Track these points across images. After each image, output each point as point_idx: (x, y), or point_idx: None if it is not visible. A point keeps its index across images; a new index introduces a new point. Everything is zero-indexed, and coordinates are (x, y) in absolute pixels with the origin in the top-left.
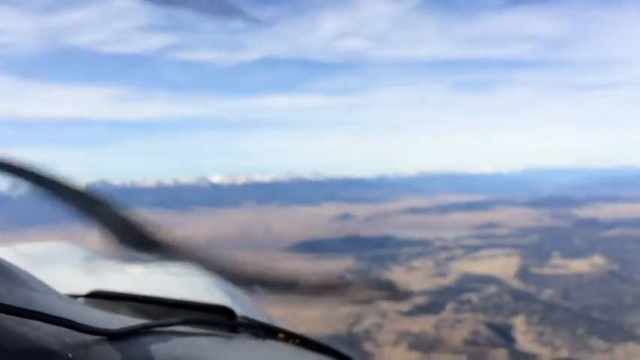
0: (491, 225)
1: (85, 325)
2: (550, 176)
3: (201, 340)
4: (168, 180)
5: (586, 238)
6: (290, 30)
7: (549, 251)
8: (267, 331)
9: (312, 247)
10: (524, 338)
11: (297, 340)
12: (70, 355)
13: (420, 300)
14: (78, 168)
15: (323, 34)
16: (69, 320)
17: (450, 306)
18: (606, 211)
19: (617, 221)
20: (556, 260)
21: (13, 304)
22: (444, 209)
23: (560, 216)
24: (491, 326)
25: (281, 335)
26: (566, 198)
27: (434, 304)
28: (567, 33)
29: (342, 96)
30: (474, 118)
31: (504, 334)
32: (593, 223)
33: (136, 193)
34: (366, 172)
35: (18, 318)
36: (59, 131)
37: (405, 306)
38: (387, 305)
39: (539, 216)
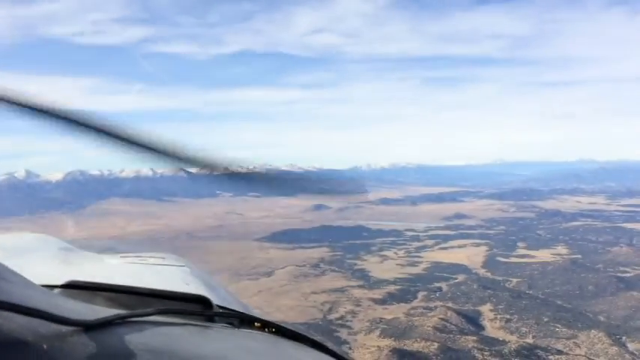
0: (459, 216)
1: (60, 316)
2: (515, 169)
3: (177, 330)
4: (146, 170)
5: (549, 229)
6: (266, 25)
7: (515, 241)
8: (242, 321)
9: (288, 236)
10: (491, 325)
11: (273, 329)
12: (44, 346)
13: (392, 288)
14: (55, 158)
15: (298, 29)
16: (43, 311)
17: (421, 294)
18: (568, 204)
19: (578, 213)
20: (521, 250)
21: None
22: (414, 200)
23: (524, 208)
24: (460, 314)
25: (257, 324)
26: (530, 190)
27: (406, 292)
28: (534, 32)
29: (316, 90)
30: (444, 113)
31: (473, 322)
32: (556, 215)
33: (114, 183)
34: (340, 165)
35: None
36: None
37: (377, 294)
38: (360, 293)
39: (505, 208)
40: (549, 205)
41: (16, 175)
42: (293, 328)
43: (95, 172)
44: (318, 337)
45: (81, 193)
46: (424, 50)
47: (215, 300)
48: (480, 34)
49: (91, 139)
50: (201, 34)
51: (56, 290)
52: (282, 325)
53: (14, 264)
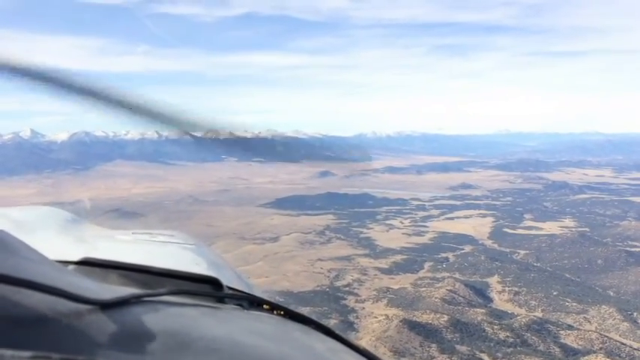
0: (465, 186)
1: (78, 295)
2: (520, 140)
3: (189, 311)
4: (151, 133)
5: (556, 202)
6: None
7: (521, 213)
8: (251, 303)
9: (293, 203)
10: (500, 298)
11: (281, 312)
12: (63, 323)
13: (399, 258)
14: (59, 118)
15: None
16: (61, 289)
17: (427, 265)
18: (575, 176)
19: (586, 185)
20: (528, 222)
21: (6, 274)
22: (420, 169)
23: (531, 179)
24: (468, 285)
25: (265, 306)
26: (536, 162)
27: (412, 262)
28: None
29: (322, 56)
30: (450, 82)
31: (481, 294)
32: (563, 187)
33: (118, 145)
34: (345, 131)
35: (12, 287)
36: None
37: (384, 263)
38: (367, 262)
39: (511, 179)
40: (556, 176)
41: (21, 134)
42: (300, 312)
43: (100, 133)
44: (324, 322)
45: (86, 154)
46: (433, 17)
47: (224, 281)
48: (491, 0)
49: (93, 104)
50: None
51: (71, 267)
52: (289, 308)
53: (28, 239)
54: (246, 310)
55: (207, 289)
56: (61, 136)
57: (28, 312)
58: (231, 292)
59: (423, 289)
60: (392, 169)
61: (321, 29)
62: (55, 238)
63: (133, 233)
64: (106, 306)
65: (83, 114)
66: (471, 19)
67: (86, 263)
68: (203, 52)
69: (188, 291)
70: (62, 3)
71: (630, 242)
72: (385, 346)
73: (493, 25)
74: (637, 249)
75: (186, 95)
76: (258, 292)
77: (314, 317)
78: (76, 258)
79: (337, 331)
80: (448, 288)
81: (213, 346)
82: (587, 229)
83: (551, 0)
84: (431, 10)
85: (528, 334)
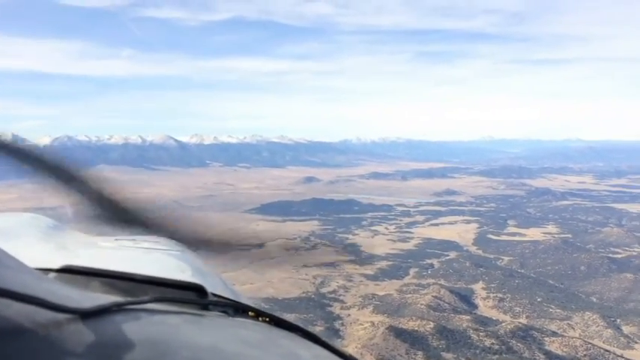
0: (449, 192)
1: (56, 304)
2: (503, 147)
3: (173, 319)
4: (134, 138)
5: (539, 208)
6: None
7: (505, 219)
8: (236, 309)
9: (278, 208)
10: (484, 304)
11: (267, 319)
12: (41, 333)
13: (384, 264)
14: (42, 123)
15: None
16: (40, 298)
17: (412, 271)
18: (557, 182)
19: (568, 192)
20: (512, 228)
21: None
22: (404, 175)
23: (514, 185)
24: (453, 292)
25: (250, 313)
26: (519, 168)
27: (397, 268)
28: (528, 8)
29: (307, 61)
30: (435, 88)
31: (466, 300)
32: (545, 194)
33: (102, 150)
34: (330, 137)
35: None
36: (20, 85)
37: (369, 269)
38: (352, 269)
39: (495, 185)
40: (538, 183)
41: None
42: (285, 319)
43: (83, 138)
44: (310, 329)
45: (68, 159)
46: (417, 24)
47: (209, 287)
48: (475, 8)
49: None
50: None
51: (51, 275)
52: (275, 315)
53: (8, 246)
54: (231, 318)
55: (191, 296)
56: (44, 140)
57: (5, 322)
58: (215, 299)
59: (409, 295)
60: (377, 175)
61: (307, 35)
62: (36, 245)
63: (116, 239)
64: (87, 315)
65: (66, 118)
66: (454, 26)
67: (67, 271)
68: (188, 56)
69: (172, 298)
70: (43, 5)
71: (612, 249)
72: (371, 354)
73: (477, 32)
74: (619, 255)
75: (171, 100)
76: (244, 299)
77: (300, 324)
78: (57, 265)
79: (323, 338)
80: (433, 294)
81: (197, 355)
82: (569, 236)
83: (533, 8)
84: (415, 17)
85: (513, 341)
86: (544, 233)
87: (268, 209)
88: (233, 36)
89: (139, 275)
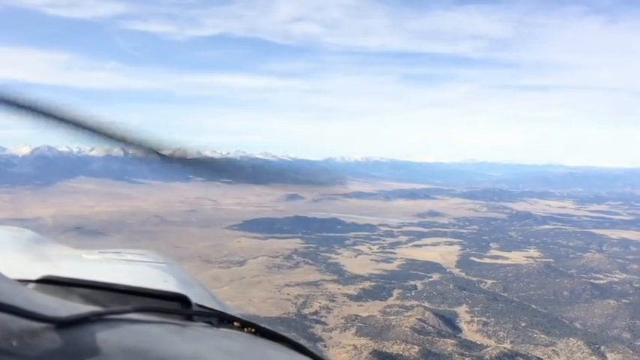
0: (432, 213)
1: (31, 312)
2: (485, 169)
3: (154, 329)
4: (117, 150)
5: (521, 231)
6: (245, 9)
7: (487, 242)
8: (221, 320)
9: (260, 225)
10: (469, 328)
11: (252, 329)
12: (13, 342)
13: (367, 285)
14: (23, 132)
15: (278, 15)
16: (13, 306)
17: (396, 292)
18: (538, 207)
19: (549, 216)
20: (494, 251)
21: None
22: (388, 195)
23: (496, 208)
24: (437, 315)
25: (235, 324)
26: (500, 191)
27: (381, 289)
28: (512, 35)
29: (293, 79)
30: (419, 110)
31: (450, 323)
32: (527, 217)
33: (83, 161)
34: (314, 155)
35: None
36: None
37: (352, 290)
38: (335, 288)
39: (477, 207)
40: (520, 207)
41: None
42: (272, 329)
43: (64, 148)
44: (296, 339)
45: (48, 169)
46: (404, 46)
47: (194, 298)
48: (460, 33)
49: (35, 119)
50: (179, 14)
51: (30, 285)
52: (261, 325)
53: None
54: (215, 328)
55: (174, 306)
56: (23, 149)
57: None
58: (199, 309)
59: (393, 317)
60: (360, 195)
61: (293, 53)
62: (16, 256)
63: (99, 252)
64: (63, 324)
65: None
66: (440, 50)
67: (47, 282)
68: (173, 70)
69: (154, 308)
70: (28, 14)
71: (594, 274)
72: None
73: (461, 57)
74: (601, 281)
75: (155, 114)
76: (230, 311)
77: (286, 334)
78: (37, 277)
79: (310, 348)
80: (418, 317)
81: None
82: (551, 260)
83: (517, 35)
84: (401, 40)
85: None
86: (526, 257)
87: (251, 226)
88: (219, 52)
89: (121, 285)
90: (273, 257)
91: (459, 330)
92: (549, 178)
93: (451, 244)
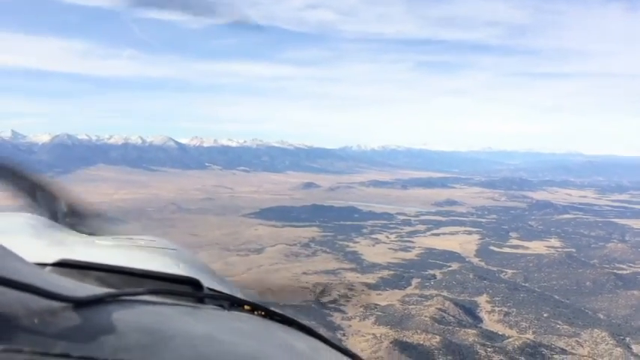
0: (450, 202)
1: (51, 291)
2: (503, 158)
3: (168, 310)
4: (135, 138)
5: (541, 221)
6: None
7: (507, 231)
8: (232, 304)
9: (277, 214)
10: (489, 318)
11: (262, 312)
12: (35, 320)
13: (385, 273)
14: (42, 120)
15: (294, 3)
16: (34, 286)
17: (415, 281)
18: (559, 196)
19: (569, 206)
20: (514, 241)
21: None
22: (404, 184)
23: (515, 197)
24: (457, 304)
25: (246, 307)
26: (520, 180)
27: (399, 278)
28: (531, 21)
29: (309, 67)
30: (435, 98)
31: (471, 313)
32: (547, 207)
33: (101, 149)
34: (330, 143)
35: None
36: (20, 81)
37: (370, 278)
38: (353, 277)
39: (496, 196)
40: (540, 196)
41: (2, 135)
42: (281, 312)
43: (83, 136)
44: (306, 322)
45: (67, 157)
46: (420, 33)
47: (206, 283)
48: (478, 20)
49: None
50: (195, 2)
51: (47, 268)
52: (272, 308)
53: (6, 243)
54: (226, 311)
55: (186, 289)
56: (43, 137)
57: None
58: (211, 292)
59: (412, 306)
60: (377, 183)
61: (309, 41)
62: (32, 242)
63: (113, 238)
64: (81, 304)
65: (66, 115)
66: (457, 37)
67: (63, 265)
68: (190, 58)
69: (167, 291)
70: (45, 3)
71: (617, 264)
72: None
73: (478, 44)
74: (625, 272)
75: (171, 102)
76: (240, 295)
77: (296, 318)
78: (53, 260)
79: (319, 332)
80: (437, 306)
81: (192, 343)
82: (573, 250)
83: (535, 22)
84: (417, 27)
85: (522, 358)
86: (547, 247)
87: (267, 214)
88: (235, 40)
89: (135, 269)
90: (290, 245)
91: (480, 320)
92: (569, 167)
93: (470, 233)
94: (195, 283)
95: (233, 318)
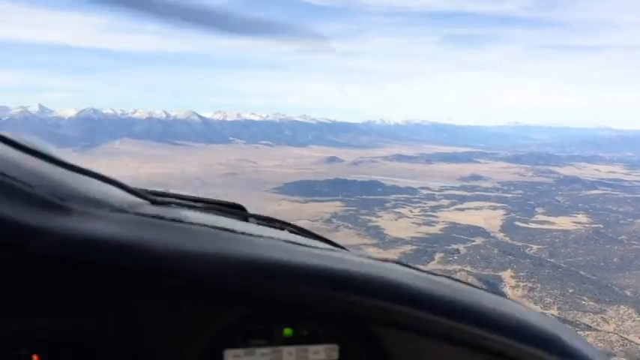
0: (475, 177)
1: (134, 188)
2: (530, 133)
3: (222, 218)
4: (159, 112)
5: (568, 196)
6: None
7: (533, 207)
8: (272, 223)
9: (301, 188)
10: (513, 293)
11: (295, 230)
12: (124, 207)
13: (408, 248)
14: (69, 95)
15: None
16: (121, 182)
17: (438, 256)
18: (587, 171)
19: (598, 181)
20: (540, 216)
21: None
22: (429, 159)
23: (542, 173)
24: (481, 279)
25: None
26: (547, 155)
27: (422, 252)
28: None
29: (333, 41)
30: (461, 72)
31: (495, 288)
32: (574, 182)
33: (126, 123)
34: (353, 117)
35: (80, 175)
36: (47, 56)
37: (393, 253)
38: (375, 252)
39: (522, 171)
40: (567, 171)
41: (29, 109)
42: (314, 232)
43: (108, 111)
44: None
45: (93, 131)
46: (446, 6)
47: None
48: None
49: None
50: None
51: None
52: (305, 228)
53: None
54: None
55: (235, 211)
56: (69, 112)
57: (96, 194)
58: (254, 214)
59: None
60: (400, 157)
61: (333, 15)
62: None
63: None
64: (156, 202)
65: (92, 90)
66: (484, 9)
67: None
68: (212, 33)
69: (219, 208)
70: None
71: None
72: None
73: (506, 16)
74: None
75: (195, 76)
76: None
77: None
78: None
79: (346, 248)
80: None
81: (246, 237)
82: (600, 226)
83: None
84: (444, 0)
85: None
86: (574, 222)
87: (291, 189)
88: (259, 13)
89: (190, 196)
90: (313, 221)
91: (504, 295)
92: (598, 142)
93: (495, 208)
94: (241, 208)
95: (274, 229)
